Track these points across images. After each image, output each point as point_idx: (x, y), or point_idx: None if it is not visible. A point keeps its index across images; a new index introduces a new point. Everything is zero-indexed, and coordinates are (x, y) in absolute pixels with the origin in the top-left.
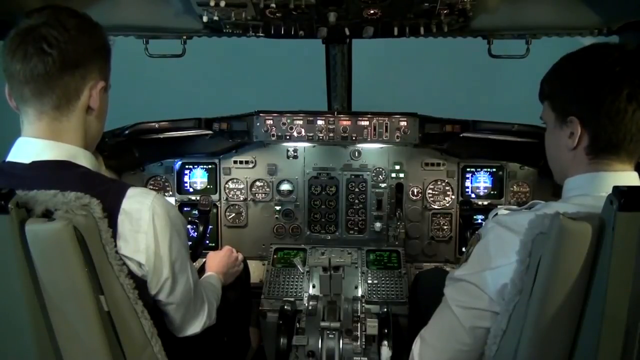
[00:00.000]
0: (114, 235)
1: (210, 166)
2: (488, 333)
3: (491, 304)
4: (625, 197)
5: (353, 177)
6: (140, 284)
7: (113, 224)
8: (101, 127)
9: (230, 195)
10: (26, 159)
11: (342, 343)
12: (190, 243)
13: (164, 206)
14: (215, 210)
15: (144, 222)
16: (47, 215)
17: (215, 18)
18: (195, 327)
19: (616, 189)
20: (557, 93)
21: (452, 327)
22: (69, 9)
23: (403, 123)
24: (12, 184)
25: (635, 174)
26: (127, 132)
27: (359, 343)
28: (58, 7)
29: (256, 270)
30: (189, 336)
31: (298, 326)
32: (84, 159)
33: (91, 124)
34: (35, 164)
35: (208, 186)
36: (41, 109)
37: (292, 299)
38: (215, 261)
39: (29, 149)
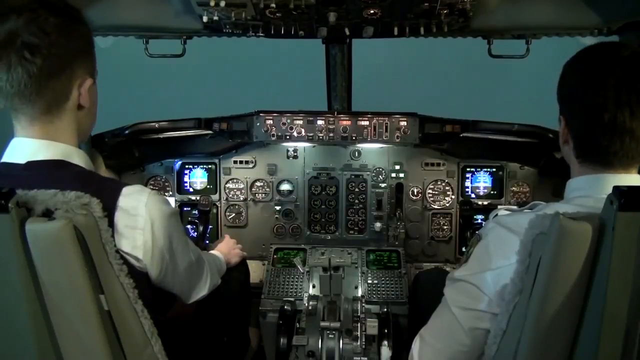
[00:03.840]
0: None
1: (210, 166)
2: (487, 334)
3: (491, 306)
4: (625, 197)
5: (353, 177)
6: (140, 277)
7: (110, 222)
8: (93, 120)
9: (230, 195)
10: (21, 160)
11: (342, 343)
12: None
13: (160, 202)
14: (215, 210)
15: (140, 219)
16: (47, 214)
17: (215, 18)
18: (201, 291)
19: (616, 189)
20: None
21: (452, 327)
22: (46, 2)
23: (403, 123)
24: (9, 185)
25: (638, 177)
26: (127, 132)
27: (359, 343)
28: (35, 8)
29: (256, 270)
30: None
31: (298, 326)
32: (78, 158)
33: (82, 119)
34: (31, 164)
35: (208, 186)
36: (32, 115)
37: (292, 299)
38: (215, 246)
39: (23, 149)
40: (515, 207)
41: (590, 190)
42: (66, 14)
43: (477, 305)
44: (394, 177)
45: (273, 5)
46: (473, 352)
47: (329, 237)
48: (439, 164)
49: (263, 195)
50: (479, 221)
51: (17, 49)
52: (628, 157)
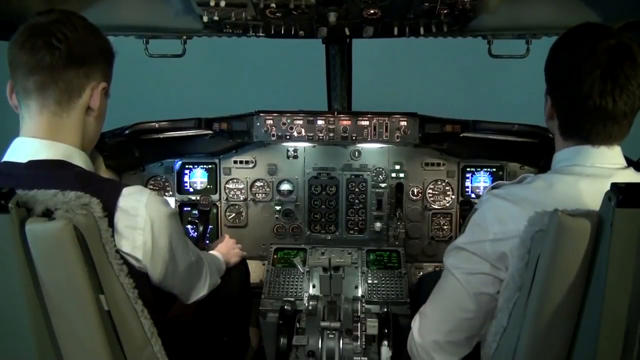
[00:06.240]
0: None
1: (210, 166)
2: (491, 301)
3: (493, 270)
4: (623, 193)
5: (353, 177)
6: (140, 277)
7: (110, 222)
8: (98, 130)
9: (230, 195)
10: (23, 159)
11: (342, 343)
12: None
13: (159, 203)
14: (215, 210)
15: (140, 219)
16: (47, 214)
17: (215, 18)
18: (200, 291)
19: (614, 185)
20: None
21: (455, 294)
22: (77, 14)
23: (403, 123)
24: (9, 184)
25: (619, 149)
26: (127, 132)
27: (359, 343)
28: (68, 11)
29: (256, 270)
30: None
31: (298, 326)
32: (79, 159)
33: (89, 125)
34: (31, 163)
35: (208, 186)
36: (43, 102)
37: (292, 299)
38: (214, 246)
39: (25, 148)
40: (507, 182)
41: (576, 159)
42: (93, 24)
43: (481, 269)
44: (394, 177)
45: (273, 5)
46: (477, 320)
47: (329, 237)
48: (439, 164)
49: (263, 195)
50: None
51: (45, 35)
52: (610, 137)
